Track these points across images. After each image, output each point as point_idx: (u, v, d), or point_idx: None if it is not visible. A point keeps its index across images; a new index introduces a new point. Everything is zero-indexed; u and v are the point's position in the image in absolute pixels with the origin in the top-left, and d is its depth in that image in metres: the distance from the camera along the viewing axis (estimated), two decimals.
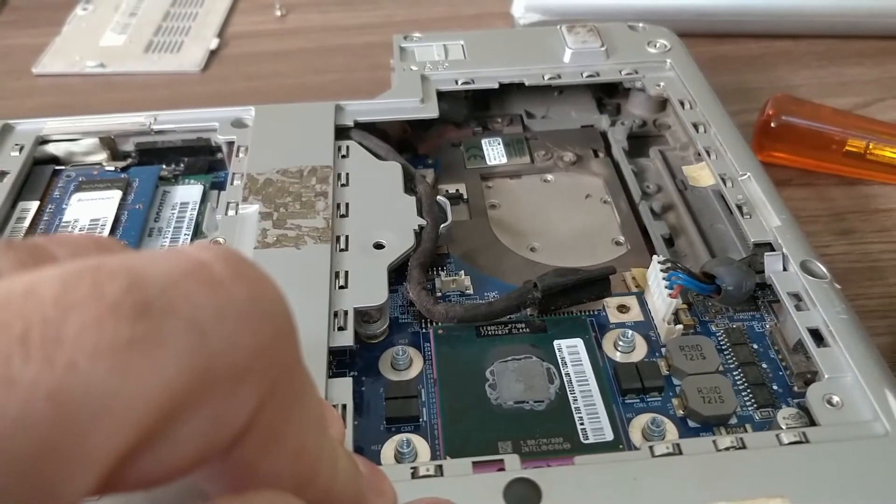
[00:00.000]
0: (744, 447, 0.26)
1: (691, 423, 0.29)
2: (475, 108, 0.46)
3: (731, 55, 0.57)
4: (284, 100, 0.43)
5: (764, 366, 0.31)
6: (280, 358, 0.12)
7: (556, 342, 0.32)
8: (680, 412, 0.30)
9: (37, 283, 0.10)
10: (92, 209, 0.37)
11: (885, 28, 0.57)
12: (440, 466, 0.25)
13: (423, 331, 0.33)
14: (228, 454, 0.12)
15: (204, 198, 0.40)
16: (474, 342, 0.32)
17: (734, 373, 0.31)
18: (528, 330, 0.33)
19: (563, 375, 0.31)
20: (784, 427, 0.28)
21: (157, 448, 0.11)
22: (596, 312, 0.34)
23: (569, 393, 0.30)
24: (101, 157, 0.41)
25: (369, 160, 0.39)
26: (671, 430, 0.29)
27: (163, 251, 0.12)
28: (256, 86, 0.56)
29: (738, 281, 0.32)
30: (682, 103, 0.42)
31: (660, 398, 0.30)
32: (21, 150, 0.39)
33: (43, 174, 0.40)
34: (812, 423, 0.28)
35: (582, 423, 0.29)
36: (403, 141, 0.44)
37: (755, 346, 0.32)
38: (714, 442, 0.26)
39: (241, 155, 0.39)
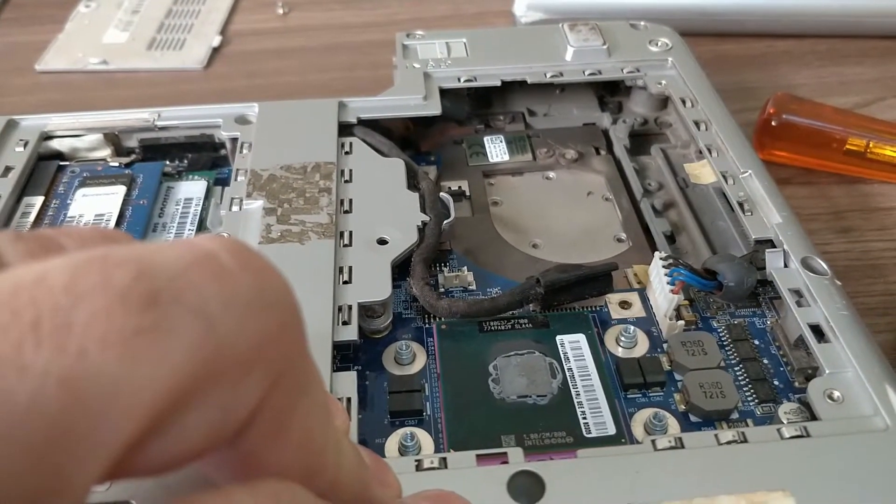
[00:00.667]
0: (745, 441, 0.26)
1: (693, 418, 0.29)
2: (477, 105, 0.47)
3: (733, 54, 0.57)
4: (287, 97, 0.43)
5: (765, 361, 0.31)
6: (286, 348, 0.12)
7: (558, 337, 0.32)
8: (682, 407, 0.30)
9: (47, 272, 0.10)
10: (96, 204, 0.38)
11: (886, 28, 0.57)
12: (444, 459, 0.26)
13: (427, 326, 0.33)
14: (235, 443, 0.12)
15: (207, 194, 0.40)
16: (477, 337, 0.33)
17: (735, 368, 0.31)
18: (530, 325, 0.33)
19: (566, 370, 0.31)
20: (785, 422, 0.28)
21: (165, 435, 0.11)
22: (598, 308, 0.34)
23: (571, 388, 0.30)
24: (105, 152, 0.41)
25: (372, 157, 0.39)
26: (673, 425, 0.29)
27: (170, 242, 0.12)
28: (259, 83, 0.56)
29: (740, 277, 0.32)
30: (683, 101, 0.42)
31: (662, 393, 0.30)
32: (26, 145, 0.40)
33: (47, 170, 0.40)
34: (813, 417, 0.28)
35: (584, 418, 0.29)
36: (406, 138, 0.44)
37: (756, 342, 0.32)
38: (716, 436, 0.26)
39: (244, 151, 0.39)
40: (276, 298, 0.12)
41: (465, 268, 0.36)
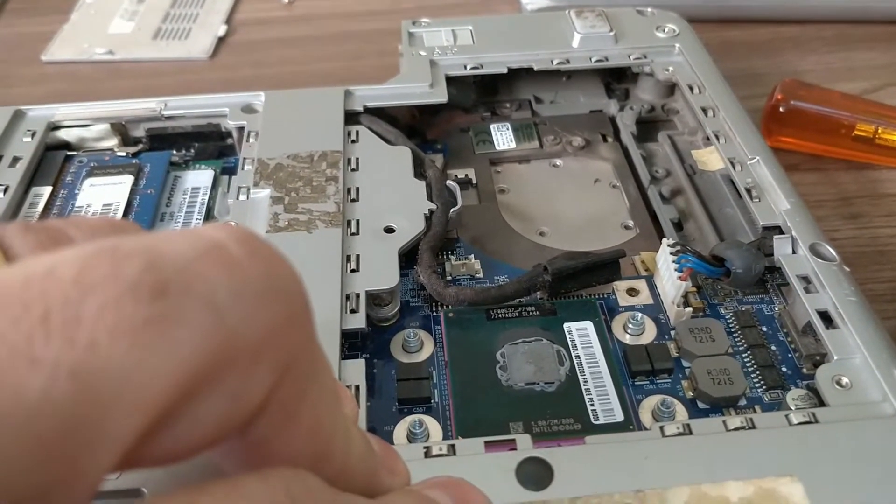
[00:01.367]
0: (753, 427, 0.26)
1: (701, 405, 0.30)
2: (484, 93, 0.47)
3: (740, 41, 0.57)
4: (292, 86, 0.43)
5: (773, 348, 0.31)
6: (295, 336, 0.12)
7: (566, 325, 0.32)
8: (689, 394, 0.30)
9: (56, 265, 0.10)
10: (104, 194, 0.38)
11: (894, 13, 0.57)
12: (453, 446, 0.26)
13: (434, 314, 0.33)
14: (245, 431, 0.12)
15: (215, 183, 0.40)
16: (485, 325, 0.33)
17: (743, 355, 0.31)
18: (538, 313, 0.33)
19: (574, 357, 0.31)
20: (793, 408, 0.28)
21: (176, 425, 0.11)
22: (605, 296, 0.34)
23: (579, 375, 0.30)
24: (113, 142, 0.41)
25: (379, 145, 0.39)
26: (681, 412, 0.29)
27: (179, 232, 0.12)
28: (264, 72, 0.56)
29: (748, 264, 0.32)
30: (690, 88, 0.42)
31: (669, 380, 0.30)
32: (33, 135, 0.40)
33: (55, 160, 0.40)
34: (821, 403, 0.28)
35: (592, 405, 0.29)
36: (412, 126, 0.44)
37: (764, 329, 0.32)
38: (724, 422, 0.26)
39: (251, 140, 0.39)
40: (284, 287, 0.12)
41: (473, 256, 0.36)
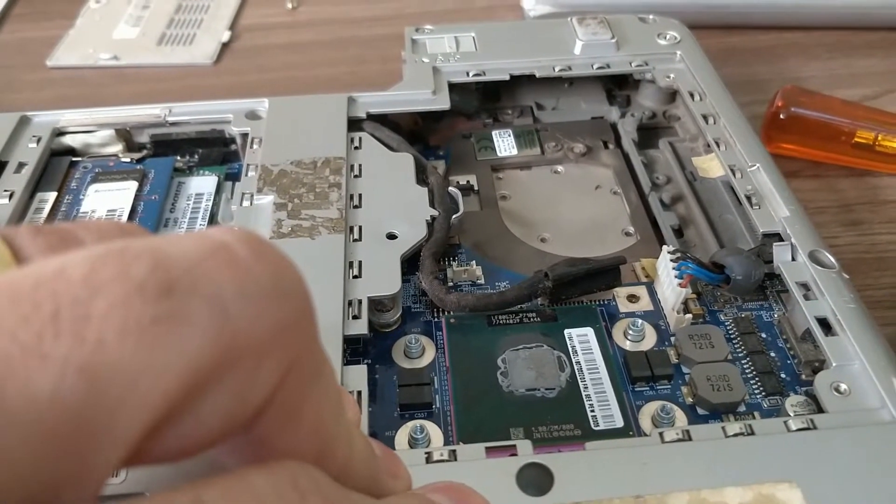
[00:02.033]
0: (752, 433, 0.26)
1: (700, 411, 0.30)
2: (486, 99, 0.47)
3: (741, 47, 0.57)
4: (296, 92, 0.44)
5: (772, 354, 0.32)
6: (300, 336, 0.12)
7: (566, 331, 0.33)
8: (689, 400, 0.30)
9: (66, 265, 0.10)
10: (109, 200, 0.38)
11: (895, 20, 0.57)
12: (454, 451, 0.26)
13: (436, 320, 0.34)
14: (249, 430, 0.12)
15: (219, 189, 0.40)
16: (486, 331, 0.33)
17: (743, 361, 0.31)
18: (538, 319, 0.33)
19: (574, 364, 0.31)
20: (792, 414, 0.28)
21: (182, 422, 0.11)
22: (606, 302, 0.34)
23: (579, 381, 0.31)
24: (117, 148, 0.42)
25: (382, 151, 0.39)
26: (680, 418, 0.29)
27: (186, 234, 0.12)
28: (268, 78, 0.56)
29: (747, 270, 0.32)
30: (691, 95, 0.42)
31: (669, 386, 0.31)
32: (38, 141, 0.40)
33: (60, 165, 0.40)
34: (820, 410, 0.28)
35: (592, 411, 0.30)
36: (414, 132, 0.44)
37: (763, 336, 0.32)
38: (723, 428, 0.26)
39: (255, 146, 0.39)
40: (289, 288, 0.12)
41: (474, 262, 0.36)
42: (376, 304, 0.32)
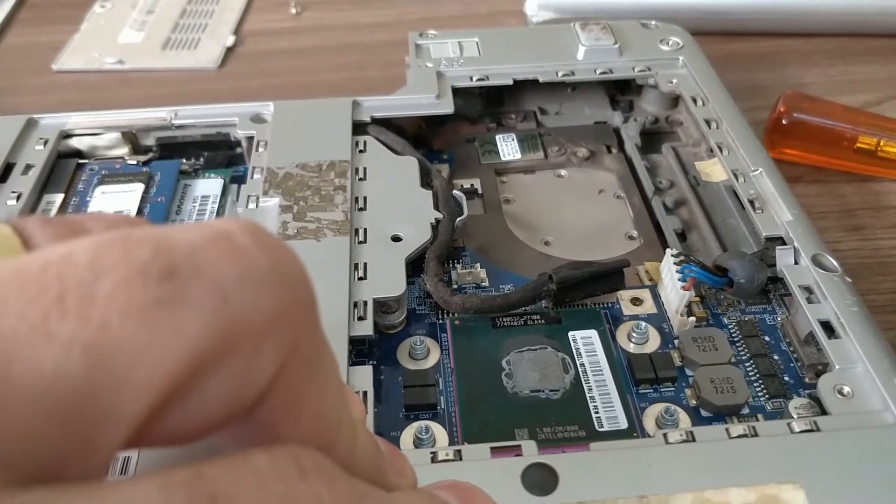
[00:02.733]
0: (756, 435, 0.26)
1: (704, 413, 0.30)
2: (489, 104, 0.47)
3: (743, 53, 0.57)
4: (300, 97, 0.44)
5: (775, 357, 0.32)
6: (300, 323, 0.13)
7: (570, 333, 0.33)
8: (693, 402, 0.30)
9: (72, 251, 0.11)
10: (115, 202, 0.38)
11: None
12: (459, 451, 0.26)
13: (440, 322, 0.34)
14: (251, 416, 0.13)
15: (224, 191, 0.40)
16: (490, 333, 0.33)
17: (746, 364, 0.31)
18: (543, 321, 0.33)
19: (578, 365, 0.31)
20: (795, 416, 0.29)
21: (184, 404, 0.11)
22: (610, 305, 0.34)
23: (583, 382, 0.31)
24: (123, 151, 0.42)
25: (386, 155, 0.40)
26: (684, 420, 0.29)
27: (189, 224, 0.12)
28: (272, 83, 0.56)
29: (750, 274, 0.33)
30: (694, 100, 0.43)
31: (673, 388, 0.31)
32: (45, 143, 0.40)
33: (67, 167, 0.41)
34: (823, 412, 0.28)
35: (597, 412, 0.30)
36: (418, 137, 0.45)
37: (767, 339, 0.33)
38: (727, 430, 0.27)
39: (260, 149, 0.39)
40: (290, 274, 0.12)
41: (478, 265, 0.37)
42: (381, 306, 0.33)
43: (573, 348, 0.32)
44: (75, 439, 0.10)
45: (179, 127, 0.42)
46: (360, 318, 0.31)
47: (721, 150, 0.39)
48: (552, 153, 0.44)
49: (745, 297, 0.34)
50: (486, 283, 0.36)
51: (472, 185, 0.42)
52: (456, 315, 0.34)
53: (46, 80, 0.57)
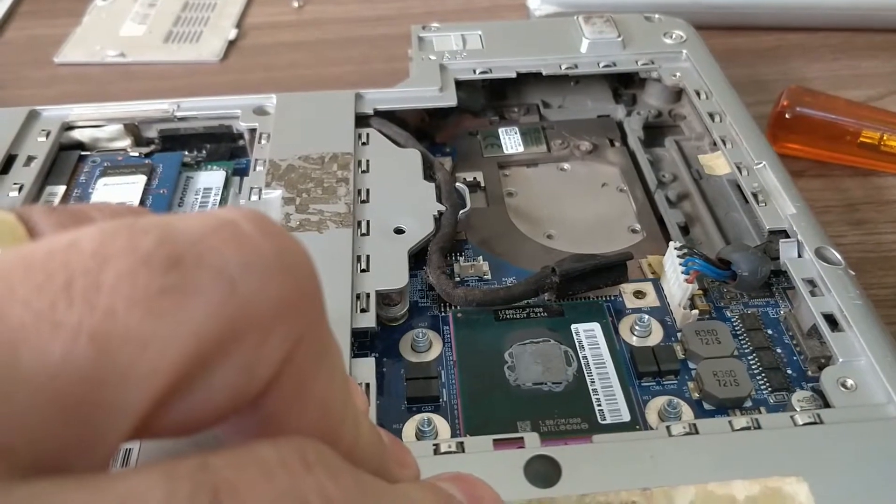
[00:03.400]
0: (759, 428, 0.26)
1: (707, 406, 0.30)
2: (492, 97, 0.47)
3: (746, 47, 0.57)
4: (302, 90, 0.44)
5: (778, 351, 0.32)
6: (306, 311, 0.12)
7: (573, 326, 0.33)
8: (695, 395, 0.30)
9: (78, 239, 0.10)
10: (117, 193, 0.38)
11: None
12: (462, 443, 0.26)
13: (443, 314, 0.34)
14: (256, 405, 0.13)
15: (226, 183, 0.40)
16: (493, 326, 0.33)
17: (749, 357, 0.31)
18: (545, 314, 0.33)
19: (581, 358, 0.31)
20: (798, 409, 0.29)
21: (190, 394, 0.11)
22: (612, 298, 0.34)
23: (586, 375, 0.31)
24: (126, 143, 0.42)
25: (389, 147, 0.40)
26: (687, 412, 0.29)
27: (193, 213, 0.12)
28: (274, 76, 0.56)
29: (754, 267, 0.33)
30: (697, 93, 0.42)
31: (675, 381, 0.31)
32: (48, 135, 0.40)
33: (69, 159, 0.41)
34: (826, 405, 0.28)
35: (599, 405, 0.30)
36: (421, 129, 0.45)
37: (770, 332, 0.32)
38: (730, 422, 0.27)
39: (263, 142, 0.39)
40: (295, 263, 0.12)
41: (481, 257, 0.36)
42: (384, 298, 0.32)
43: (576, 341, 0.32)
44: (80, 428, 0.10)
45: (182, 119, 0.42)
46: (363, 310, 0.31)
47: (724, 144, 0.39)
48: (555, 146, 0.44)
49: (749, 290, 0.34)
50: (488, 276, 0.36)
51: (474, 178, 0.42)
52: (458, 308, 0.34)
53: (48, 72, 0.57)
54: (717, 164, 0.40)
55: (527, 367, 0.31)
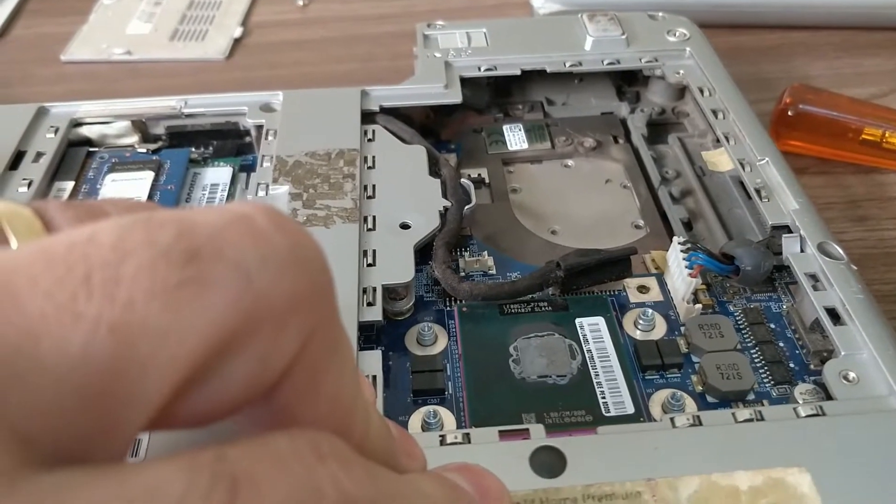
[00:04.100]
0: (762, 419, 0.27)
1: (710, 399, 0.30)
2: (497, 94, 0.47)
3: (749, 45, 0.57)
4: (307, 87, 0.44)
5: (781, 344, 0.32)
6: (320, 305, 0.13)
7: (577, 320, 0.33)
8: (699, 388, 0.30)
9: (96, 232, 0.11)
10: (125, 189, 0.39)
11: None
12: (468, 434, 0.26)
13: (448, 308, 0.34)
14: (269, 398, 0.13)
15: (233, 180, 0.41)
16: (498, 320, 0.33)
17: (752, 351, 0.32)
18: (550, 308, 0.34)
19: (585, 352, 0.32)
20: (801, 402, 0.29)
21: (207, 385, 0.11)
22: (616, 292, 0.34)
23: (590, 368, 0.31)
24: (133, 139, 0.42)
25: (395, 144, 0.40)
26: (690, 405, 0.30)
27: (209, 207, 0.12)
28: (279, 74, 0.56)
29: (757, 261, 0.33)
30: (700, 90, 0.43)
31: (679, 374, 0.31)
32: (56, 132, 0.40)
33: (77, 155, 0.41)
34: (828, 397, 0.28)
35: (603, 397, 0.30)
36: (426, 126, 0.45)
37: (772, 326, 0.33)
38: (733, 414, 0.27)
39: (269, 138, 0.40)
40: (309, 258, 0.13)
41: (486, 253, 0.37)
42: (390, 293, 0.33)
43: (580, 335, 0.32)
44: (99, 418, 0.10)
45: (189, 116, 0.42)
46: (370, 304, 0.31)
47: (728, 140, 0.39)
48: (559, 143, 0.44)
49: (752, 285, 0.34)
50: (493, 271, 0.36)
51: (479, 174, 0.42)
52: (464, 302, 0.34)
53: (55, 70, 0.57)
54: (720, 160, 0.40)
55: (532, 360, 0.31)
